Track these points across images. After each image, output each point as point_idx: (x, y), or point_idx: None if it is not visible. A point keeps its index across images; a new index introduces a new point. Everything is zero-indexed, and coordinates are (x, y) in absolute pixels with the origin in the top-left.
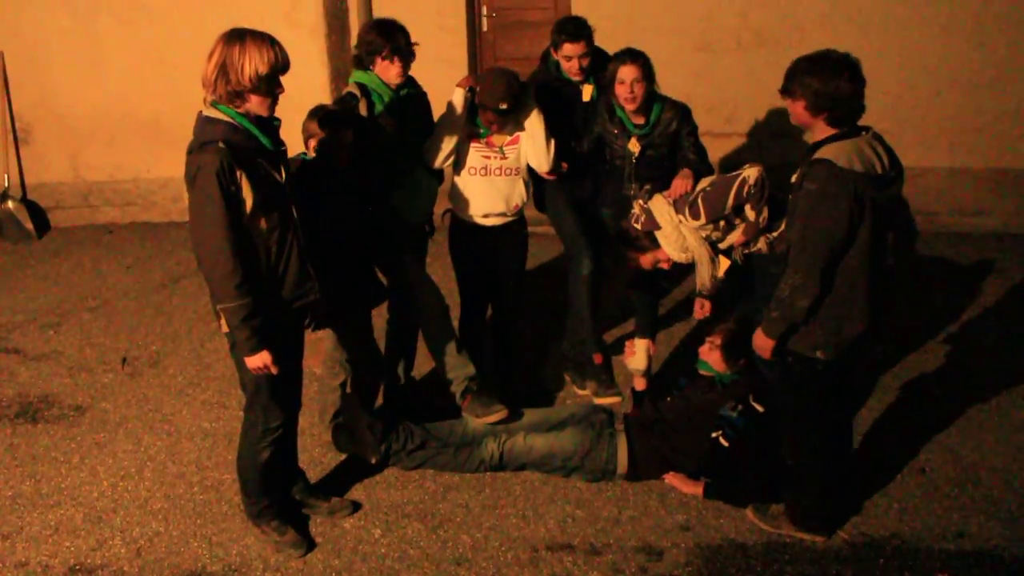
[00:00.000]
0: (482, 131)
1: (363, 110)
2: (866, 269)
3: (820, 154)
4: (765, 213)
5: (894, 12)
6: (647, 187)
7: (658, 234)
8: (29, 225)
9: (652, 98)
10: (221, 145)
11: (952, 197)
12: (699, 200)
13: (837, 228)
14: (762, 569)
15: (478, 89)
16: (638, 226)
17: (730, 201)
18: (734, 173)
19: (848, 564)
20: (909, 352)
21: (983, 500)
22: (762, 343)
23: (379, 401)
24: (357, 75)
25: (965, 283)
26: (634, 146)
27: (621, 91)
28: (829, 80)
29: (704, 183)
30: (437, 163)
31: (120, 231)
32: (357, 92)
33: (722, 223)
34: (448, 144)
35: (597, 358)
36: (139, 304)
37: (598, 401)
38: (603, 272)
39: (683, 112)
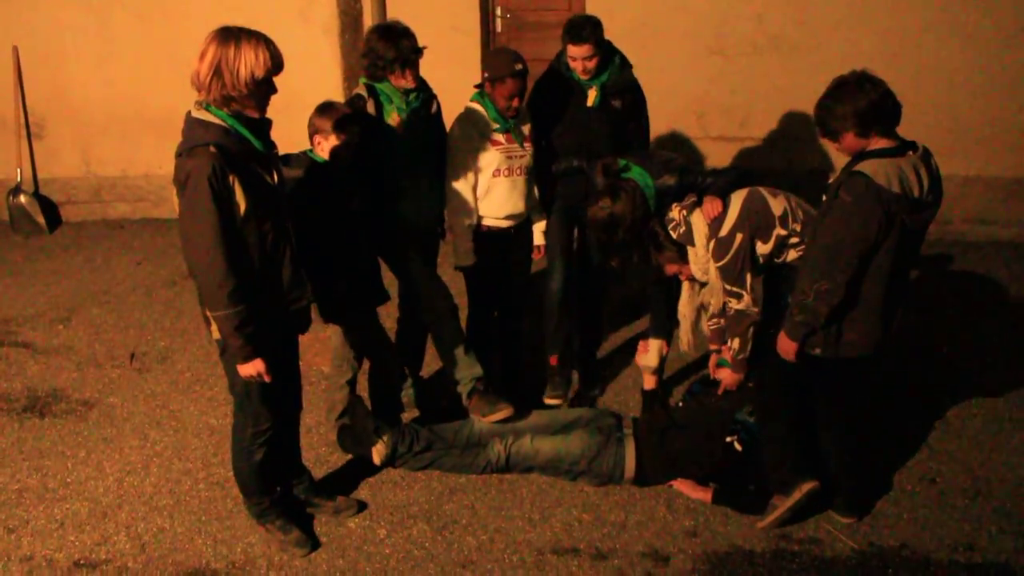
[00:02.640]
0: (499, 126)
1: (371, 111)
2: (879, 283)
3: (860, 167)
4: (745, 350)
5: (910, 18)
6: (692, 198)
7: (690, 250)
8: (41, 219)
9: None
10: (212, 149)
11: (965, 205)
12: (731, 254)
13: (866, 242)
14: None
15: (486, 75)
16: (674, 234)
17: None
18: (747, 283)
19: (856, 573)
20: (920, 361)
21: (995, 512)
22: (786, 347)
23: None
24: (367, 77)
25: (977, 292)
26: None
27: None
28: (859, 97)
29: (740, 198)
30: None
31: (131, 226)
32: (365, 94)
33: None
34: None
35: (552, 359)
36: (149, 300)
37: (546, 401)
38: (574, 286)
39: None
